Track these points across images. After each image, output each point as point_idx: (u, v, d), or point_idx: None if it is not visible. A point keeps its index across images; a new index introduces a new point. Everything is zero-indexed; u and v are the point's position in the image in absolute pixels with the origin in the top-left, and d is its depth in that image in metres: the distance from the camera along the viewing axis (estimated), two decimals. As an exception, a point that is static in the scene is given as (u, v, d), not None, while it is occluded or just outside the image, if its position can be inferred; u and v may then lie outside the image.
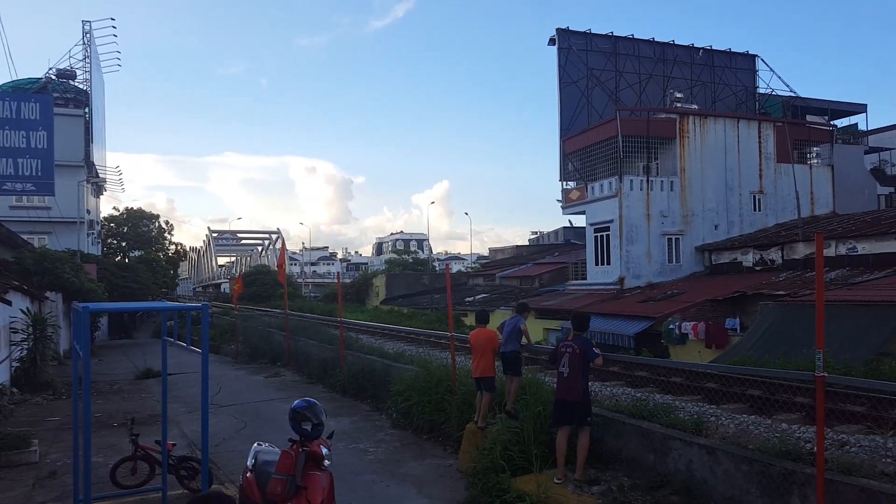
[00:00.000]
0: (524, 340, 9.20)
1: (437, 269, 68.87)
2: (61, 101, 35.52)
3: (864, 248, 23.33)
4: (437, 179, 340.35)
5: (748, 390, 9.96)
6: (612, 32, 37.19)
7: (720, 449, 6.49)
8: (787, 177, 32.02)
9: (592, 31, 36.68)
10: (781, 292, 21.49)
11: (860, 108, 40.07)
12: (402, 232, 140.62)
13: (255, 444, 6.42)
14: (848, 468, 5.65)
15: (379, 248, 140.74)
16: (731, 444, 6.67)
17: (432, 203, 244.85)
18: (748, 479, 6.08)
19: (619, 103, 34.25)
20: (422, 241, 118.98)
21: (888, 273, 21.11)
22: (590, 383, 10.94)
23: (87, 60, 38.71)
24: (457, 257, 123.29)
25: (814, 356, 5.33)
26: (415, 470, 9.13)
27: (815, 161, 34.65)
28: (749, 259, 28.34)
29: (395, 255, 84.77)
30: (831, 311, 16.03)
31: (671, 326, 22.76)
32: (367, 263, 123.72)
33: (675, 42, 38.66)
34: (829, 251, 23.88)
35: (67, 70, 38.57)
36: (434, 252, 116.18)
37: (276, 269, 23.02)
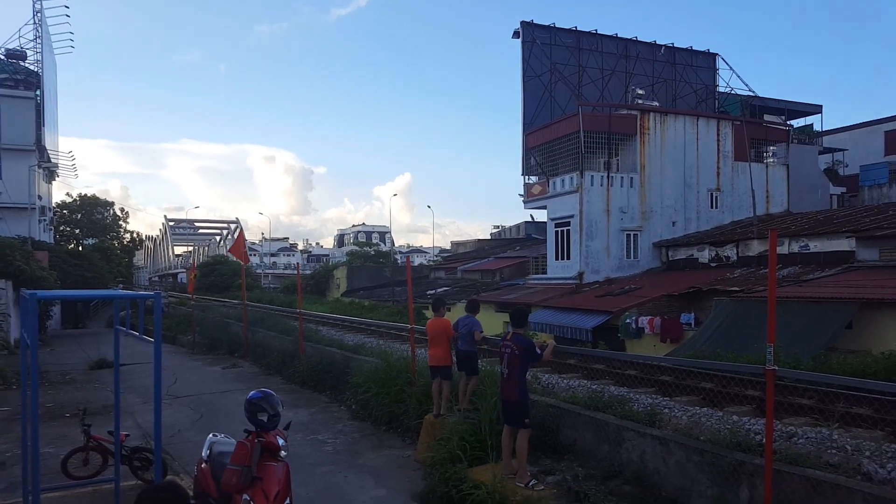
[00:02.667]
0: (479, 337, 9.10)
1: (399, 261, 68.73)
2: (11, 82, 34.38)
3: (816, 246, 24.02)
4: (399, 172, 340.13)
5: (701, 383, 10.19)
6: (576, 27, 37.47)
7: (672, 440, 6.62)
8: (744, 175, 32.78)
9: (557, 25, 36.88)
10: (736, 288, 22.02)
11: (816, 109, 41.17)
12: (363, 224, 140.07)
13: (211, 435, 6.33)
14: (795, 459, 5.82)
15: (340, 239, 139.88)
16: (684, 435, 6.82)
17: (394, 195, 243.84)
18: (699, 469, 6.23)
19: (581, 98, 34.56)
20: (384, 234, 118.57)
21: (838, 271, 21.78)
22: (547, 375, 11.12)
23: (39, 41, 37.44)
24: (419, 250, 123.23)
25: (765, 350, 5.47)
26: (373, 461, 9.11)
27: (772, 160, 35.51)
28: (705, 255, 28.95)
29: (357, 248, 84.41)
30: (783, 308, 16.50)
31: (628, 321, 23.13)
32: (328, 255, 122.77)
33: (638, 39, 39.15)
34: (783, 249, 24.53)
35: (17, 50, 37.22)
36: (396, 245, 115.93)
37: (234, 257, 22.50)
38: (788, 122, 38.66)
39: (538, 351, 7.33)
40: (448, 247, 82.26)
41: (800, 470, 5.57)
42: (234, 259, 52.94)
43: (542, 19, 36.93)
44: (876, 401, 8.41)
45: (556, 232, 32.16)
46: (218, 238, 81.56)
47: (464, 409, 8.76)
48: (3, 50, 37.08)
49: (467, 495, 7.02)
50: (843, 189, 38.81)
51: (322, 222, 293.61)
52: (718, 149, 33.24)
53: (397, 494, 7.78)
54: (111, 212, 58.35)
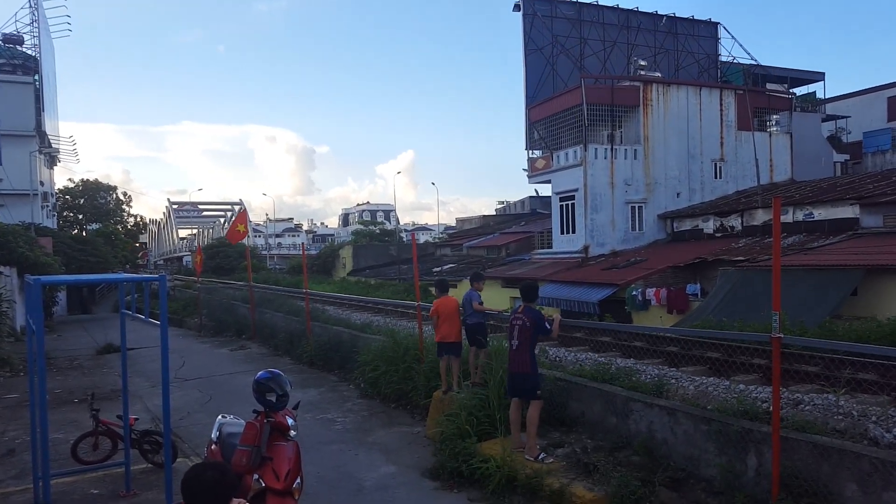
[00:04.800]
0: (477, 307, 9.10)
1: (405, 239, 68.77)
2: (8, 67, 34.23)
3: (820, 214, 23.89)
4: (402, 149, 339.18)
5: (707, 353, 10.18)
6: (576, -2, 37.01)
7: (680, 410, 6.64)
8: (748, 144, 32.50)
9: (557, -2, 36.45)
10: (740, 258, 21.95)
11: (818, 77, 40.72)
12: (368, 203, 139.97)
13: (220, 417, 6.37)
14: (802, 426, 5.83)
15: (345, 219, 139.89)
16: (691, 405, 6.83)
17: (398, 173, 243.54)
18: (707, 438, 6.24)
19: (583, 71, 34.22)
20: (388, 212, 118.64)
21: (842, 238, 21.68)
22: (554, 348, 11.14)
23: (35, 24, 37.17)
24: (424, 228, 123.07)
25: (770, 319, 5.45)
26: (383, 438, 9.18)
27: (775, 129, 35.20)
28: (710, 226, 28.83)
29: (362, 226, 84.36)
30: (788, 276, 16.42)
31: (634, 293, 23.12)
32: (333, 235, 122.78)
33: (639, 9, 38.66)
34: (787, 217, 24.41)
35: (14, 35, 36.97)
36: (401, 223, 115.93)
37: (228, 238, 22.35)
38: (791, 91, 38.23)
39: (547, 325, 7.38)
40: (453, 223, 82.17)
41: (807, 436, 5.58)
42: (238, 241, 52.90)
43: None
44: (882, 366, 8.40)
45: (561, 206, 32.03)
46: (222, 220, 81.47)
47: (475, 382, 8.81)
48: (-1, 35, 36.85)
49: (477, 469, 7.08)
50: (847, 156, 38.49)
51: (326, 202, 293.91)
52: (721, 119, 32.94)
53: (407, 470, 7.84)
54: (114, 196, 58.43)
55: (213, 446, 5.97)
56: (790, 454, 5.51)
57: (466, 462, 7.28)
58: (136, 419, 8.08)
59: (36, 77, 35.63)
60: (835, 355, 8.79)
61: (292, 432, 5.43)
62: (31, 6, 37.00)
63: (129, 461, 7.38)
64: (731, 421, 6.07)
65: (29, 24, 37.18)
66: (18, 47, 37.02)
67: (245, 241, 45.02)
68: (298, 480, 5.31)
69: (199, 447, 8.34)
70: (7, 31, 36.89)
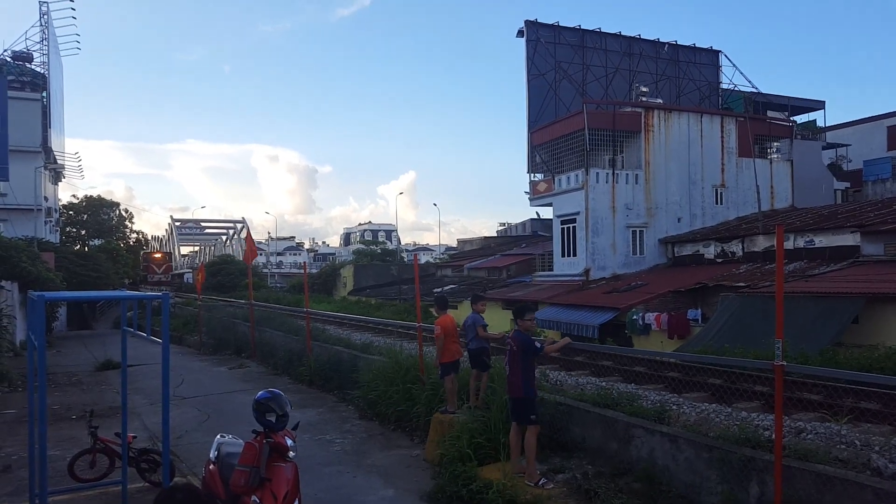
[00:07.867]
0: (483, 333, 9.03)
1: (406, 259, 68.83)
2: (17, 84, 34.52)
3: (821, 241, 23.91)
4: (403, 170, 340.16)
5: (709, 379, 10.16)
6: (579, 25, 37.43)
7: (682, 437, 6.59)
8: (749, 171, 32.64)
9: (560, 24, 36.85)
10: (741, 284, 21.94)
11: (819, 105, 40.99)
12: (370, 222, 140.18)
13: (219, 436, 6.33)
14: (805, 455, 5.78)
15: (347, 238, 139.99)
16: (693, 431, 6.78)
17: (400, 194, 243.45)
18: (709, 465, 6.20)
19: (585, 96, 34.47)
20: (390, 232, 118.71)
21: (843, 266, 21.68)
22: (555, 372, 11.09)
23: (45, 43, 37.61)
24: (425, 248, 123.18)
25: (772, 346, 5.44)
26: (381, 460, 9.10)
27: (776, 156, 35.37)
28: (711, 251, 28.85)
29: (363, 246, 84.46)
30: (789, 303, 16.42)
31: (635, 317, 23.07)
32: (334, 254, 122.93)
33: (642, 36, 39.06)
34: (788, 244, 24.42)
35: (24, 52, 37.39)
36: (402, 243, 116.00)
37: (245, 260, 22.30)
38: (791, 118, 38.49)
39: (537, 345, 7.39)
40: (454, 244, 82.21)
41: (809, 466, 5.54)
42: (241, 259, 52.78)
43: (547, 18, 36.76)
44: (885, 395, 8.37)
45: (562, 229, 32.10)
46: (224, 238, 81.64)
47: (475, 406, 8.75)
48: (9, 52, 37.24)
49: (477, 494, 7.01)
50: (847, 184, 38.61)
51: (327, 221, 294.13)
52: (722, 145, 33.14)
53: (406, 494, 7.76)
54: (117, 212, 58.50)
55: (211, 466, 5.93)
56: (792, 483, 5.47)
57: (466, 486, 7.20)
58: (135, 437, 8.02)
59: (44, 94, 35.98)
60: (837, 384, 8.77)
61: (291, 453, 5.40)
62: (41, 24, 37.46)
63: (126, 480, 7.31)
64: (733, 449, 6.03)
65: (39, 42, 37.64)
66: (28, 65, 37.42)
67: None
68: (297, 502, 5.27)
69: (196, 466, 8.27)
70: (17, 48, 37.31)
